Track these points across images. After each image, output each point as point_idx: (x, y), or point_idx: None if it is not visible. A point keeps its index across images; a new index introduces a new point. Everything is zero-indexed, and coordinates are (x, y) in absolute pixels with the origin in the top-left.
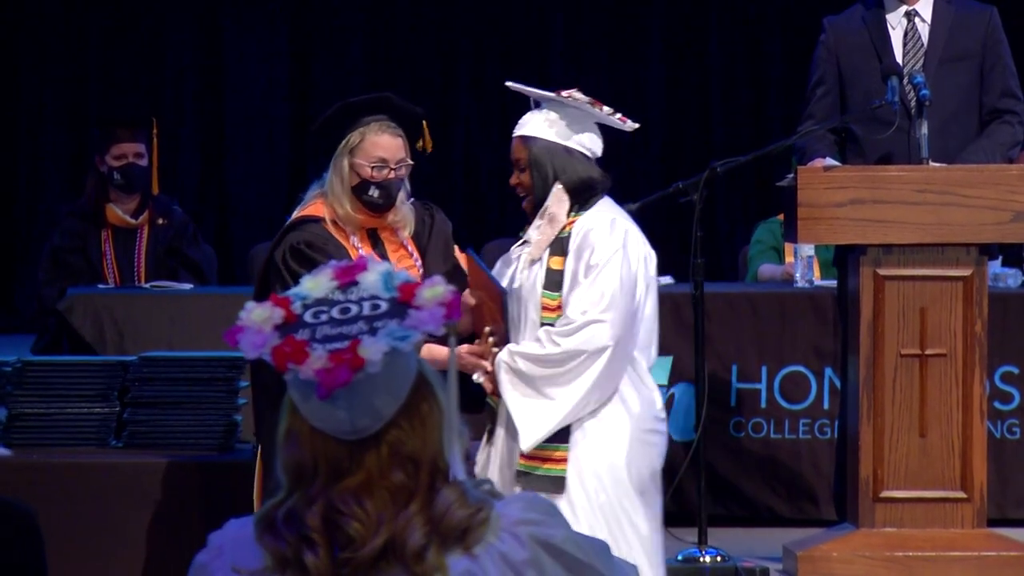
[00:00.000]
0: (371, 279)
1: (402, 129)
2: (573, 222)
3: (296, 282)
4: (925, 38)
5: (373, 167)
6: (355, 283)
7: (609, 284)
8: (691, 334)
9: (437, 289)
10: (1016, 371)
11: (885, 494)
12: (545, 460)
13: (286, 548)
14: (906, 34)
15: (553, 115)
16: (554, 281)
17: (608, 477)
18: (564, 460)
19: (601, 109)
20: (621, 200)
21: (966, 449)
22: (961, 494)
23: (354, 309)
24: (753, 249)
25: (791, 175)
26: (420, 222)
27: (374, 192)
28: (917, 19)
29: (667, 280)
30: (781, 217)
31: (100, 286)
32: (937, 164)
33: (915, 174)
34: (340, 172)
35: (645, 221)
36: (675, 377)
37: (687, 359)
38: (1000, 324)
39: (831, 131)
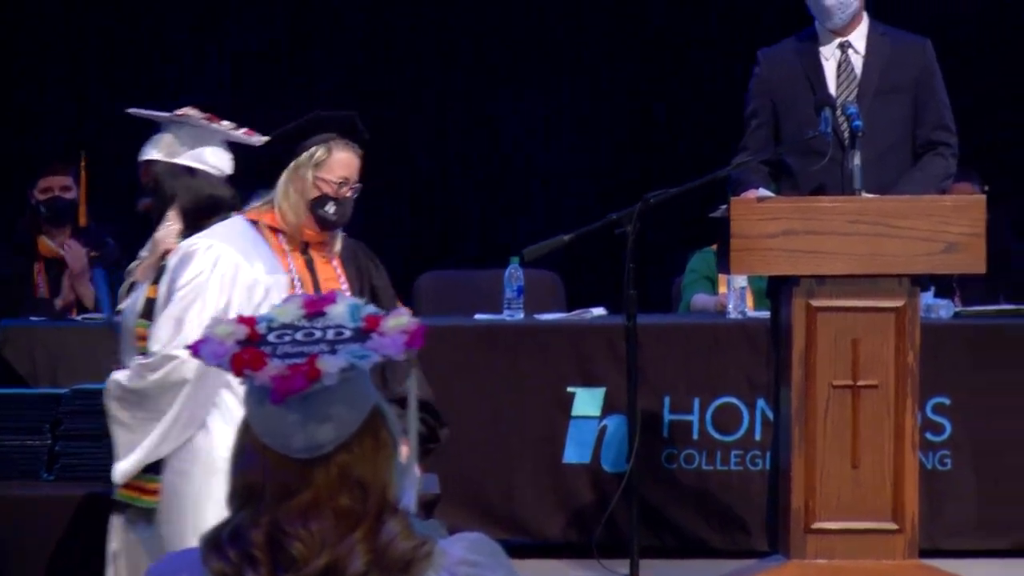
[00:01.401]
0: (339, 310)
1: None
2: (175, 248)
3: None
4: (859, 70)
5: (336, 183)
6: (323, 313)
7: (189, 315)
8: (623, 365)
9: (402, 319)
10: (948, 402)
11: (817, 525)
12: (143, 491)
13: (228, 565)
14: (840, 66)
15: (171, 136)
16: (148, 309)
17: (192, 509)
18: (157, 492)
19: (220, 124)
20: (555, 232)
21: (898, 480)
22: (893, 525)
23: (318, 334)
24: (686, 280)
25: (724, 206)
26: (362, 261)
27: (331, 208)
28: (851, 51)
29: (600, 311)
30: (715, 248)
31: (32, 318)
32: (870, 195)
33: (848, 205)
34: (301, 183)
35: (579, 252)
36: (607, 408)
37: (619, 390)
38: (932, 355)
39: (765, 162)
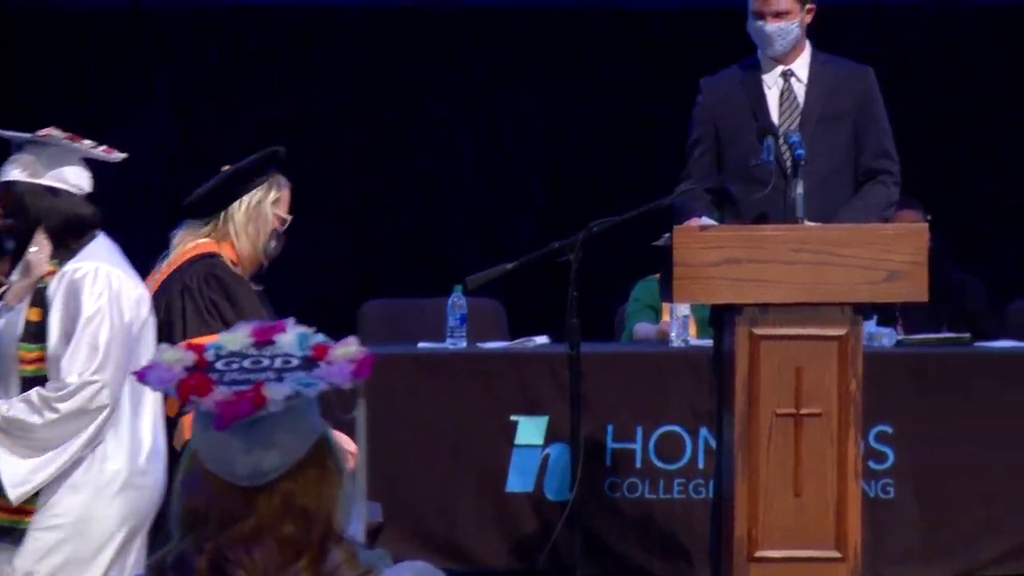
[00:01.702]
0: (287, 339)
1: None
2: (54, 272)
3: (211, 308)
4: (801, 98)
5: (283, 219)
6: (271, 342)
7: (101, 340)
8: (567, 394)
9: (349, 348)
10: (890, 431)
11: (760, 553)
12: (28, 514)
13: None
14: (782, 94)
15: (31, 156)
16: (31, 332)
17: (73, 530)
18: (19, 511)
19: (82, 143)
20: (498, 261)
21: (841, 508)
22: (836, 553)
23: (266, 362)
24: (630, 309)
25: (667, 235)
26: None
27: (274, 242)
28: (793, 79)
29: (543, 340)
30: (658, 276)
31: None
32: (812, 224)
33: (790, 233)
34: (261, 217)
35: (522, 280)
36: (550, 437)
37: (562, 419)
38: (875, 383)
39: (708, 191)
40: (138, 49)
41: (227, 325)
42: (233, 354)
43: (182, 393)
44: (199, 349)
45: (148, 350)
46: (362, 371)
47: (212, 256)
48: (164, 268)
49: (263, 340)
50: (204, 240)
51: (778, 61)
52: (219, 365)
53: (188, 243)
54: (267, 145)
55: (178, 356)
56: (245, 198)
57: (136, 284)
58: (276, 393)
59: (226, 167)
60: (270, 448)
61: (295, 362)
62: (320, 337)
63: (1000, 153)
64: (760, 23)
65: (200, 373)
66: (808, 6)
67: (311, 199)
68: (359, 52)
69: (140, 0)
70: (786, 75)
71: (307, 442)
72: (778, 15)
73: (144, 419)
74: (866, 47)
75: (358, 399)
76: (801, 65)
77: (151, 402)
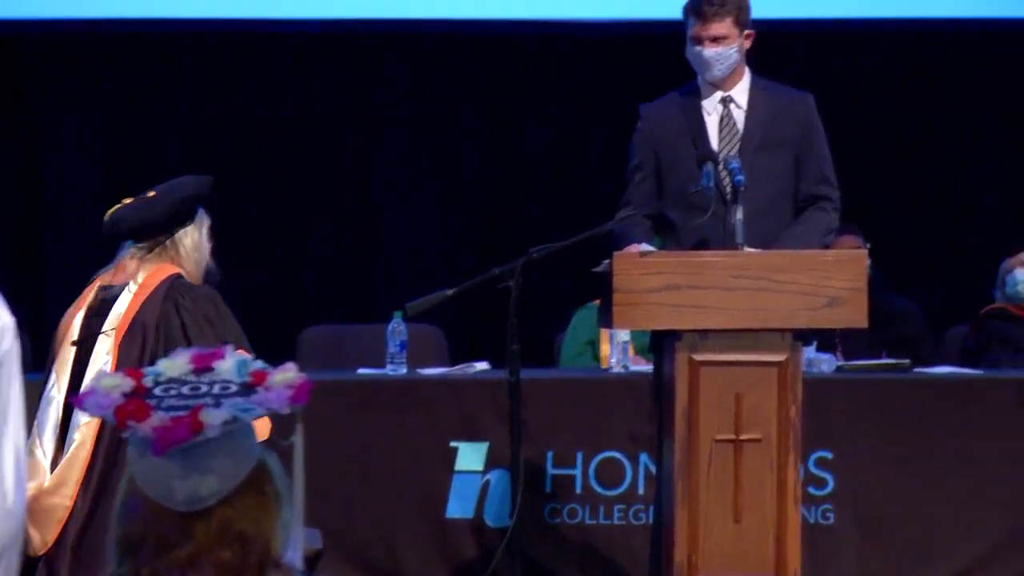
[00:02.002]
0: (226, 366)
1: None
2: None
3: (208, 321)
4: (741, 124)
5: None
6: (210, 369)
7: None
8: (507, 420)
9: (288, 374)
10: (830, 456)
11: None
12: None
13: None
14: (722, 120)
15: None
16: None
17: None
18: None
19: None
20: (438, 287)
21: (780, 534)
22: None
23: (204, 388)
24: (568, 338)
25: (607, 261)
26: None
27: (214, 267)
28: (732, 105)
29: (483, 366)
30: (597, 303)
31: None
32: (752, 250)
33: (730, 260)
34: (204, 243)
35: (462, 307)
36: (490, 463)
37: (503, 445)
38: (814, 409)
39: (648, 217)
40: (70, 73)
41: (220, 340)
42: (172, 380)
43: (119, 418)
44: (137, 376)
45: (9, 380)
46: (300, 397)
47: (180, 278)
48: (136, 292)
49: (202, 367)
50: (164, 264)
51: (717, 87)
52: (157, 391)
53: (147, 267)
54: (201, 170)
55: (116, 382)
56: (191, 224)
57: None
58: (213, 419)
59: (151, 192)
60: (207, 473)
61: (233, 388)
62: (259, 364)
63: (938, 180)
64: (698, 48)
65: (138, 399)
66: (747, 31)
67: (251, 225)
68: (293, 76)
69: (74, 25)
70: (725, 101)
71: (245, 467)
72: (716, 40)
73: (6, 448)
74: (805, 73)
75: (296, 424)
76: (740, 91)
77: (13, 431)
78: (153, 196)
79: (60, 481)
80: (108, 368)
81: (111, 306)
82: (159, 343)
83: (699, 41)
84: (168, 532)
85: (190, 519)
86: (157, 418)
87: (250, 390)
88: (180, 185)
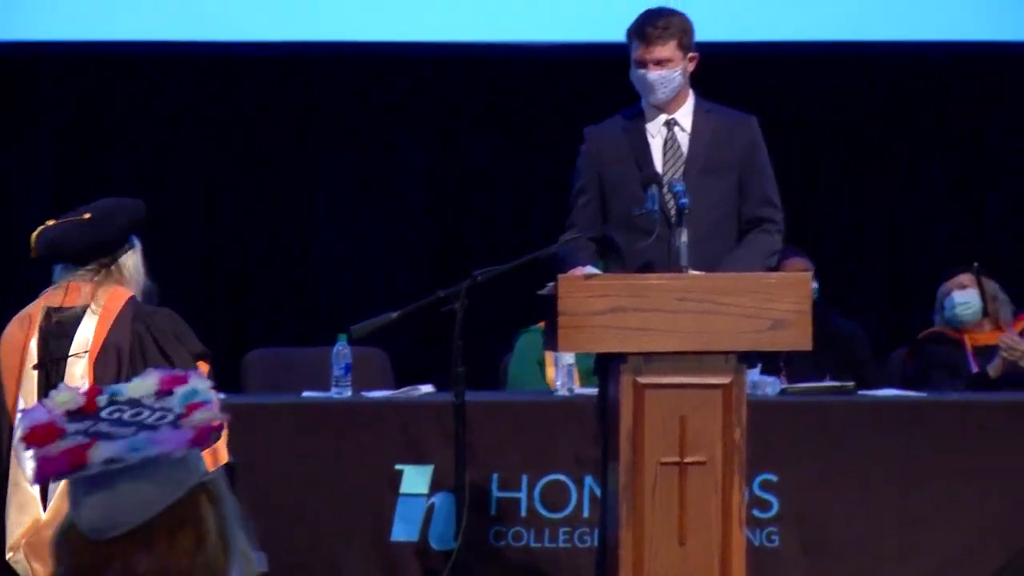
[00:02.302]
0: (181, 392)
1: None
2: None
3: (179, 338)
4: (685, 147)
5: None
6: (171, 392)
7: None
8: (452, 443)
9: (207, 414)
10: (775, 479)
11: None
12: None
13: None
14: (666, 143)
15: None
16: None
17: None
18: None
19: None
20: (383, 310)
21: (725, 557)
22: None
23: (145, 415)
24: (514, 360)
25: (552, 284)
26: None
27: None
28: (676, 128)
29: (428, 389)
30: (542, 326)
31: None
32: (697, 272)
33: (675, 282)
34: (142, 265)
35: (407, 329)
36: (435, 486)
37: (448, 467)
38: (759, 432)
39: (592, 240)
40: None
41: (192, 355)
42: (129, 401)
43: (27, 440)
44: (94, 392)
45: None
46: (201, 441)
47: (137, 300)
48: (102, 315)
49: (166, 389)
50: (117, 287)
51: (661, 110)
52: (103, 413)
53: (104, 289)
54: (146, 192)
55: (68, 398)
56: (131, 247)
57: None
58: (98, 456)
59: (86, 214)
60: (126, 501)
61: (168, 417)
62: (205, 395)
63: (883, 204)
64: (642, 71)
65: (51, 424)
66: (691, 54)
67: (195, 247)
68: (236, 99)
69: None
70: (669, 124)
71: (169, 497)
72: (660, 63)
73: None
74: (750, 95)
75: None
76: (684, 114)
77: None
78: (89, 218)
79: (58, 509)
80: None
81: (71, 328)
82: (135, 364)
83: (643, 64)
84: (86, 561)
85: (107, 547)
86: (55, 446)
87: (176, 423)
88: (118, 208)
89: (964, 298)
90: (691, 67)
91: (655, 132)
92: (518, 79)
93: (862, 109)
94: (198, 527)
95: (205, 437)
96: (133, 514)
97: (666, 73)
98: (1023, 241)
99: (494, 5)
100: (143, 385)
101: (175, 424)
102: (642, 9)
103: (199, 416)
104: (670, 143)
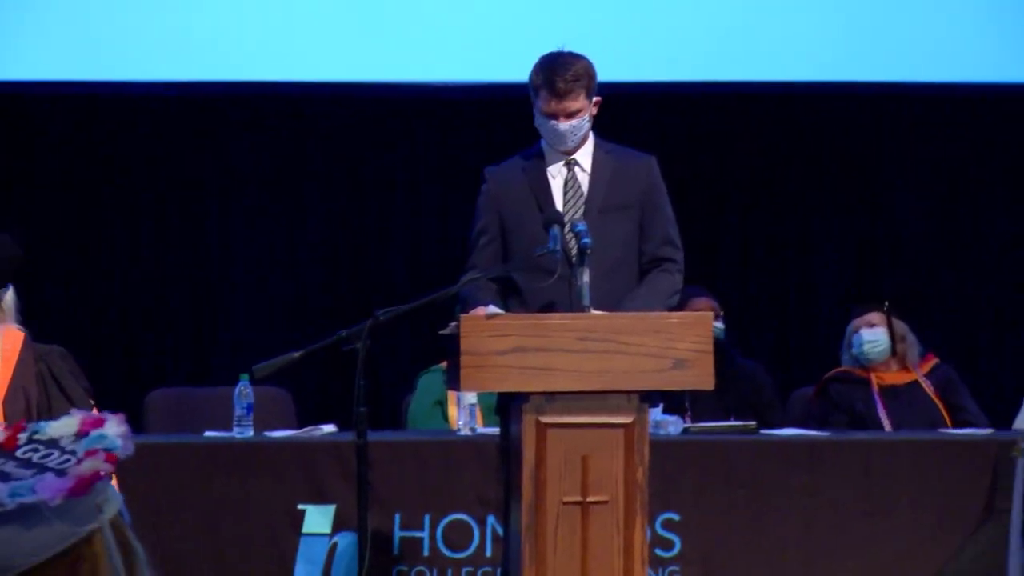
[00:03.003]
0: (94, 434)
1: None
2: None
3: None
4: (585, 187)
5: None
6: (87, 435)
7: None
8: (354, 482)
9: (96, 462)
10: (677, 518)
11: None
12: None
13: None
14: (566, 183)
15: None
16: None
17: None
18: None
19: None
20: (285, 349)
21: None
22: None
23: (54, 456)
24: (415, 401)
25: (454, 323)
26: None
27: None
28: (577, 168)
29: (331, 428)
30: (444, 365)
31: None
32: (599, 312)
33: (577, 322)
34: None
35: (309, 369)
36: (338, 525)
37: (350, 507)
38: (661, 471)
39: (494, 280)
40: None
41: (87, 392)
42: (49, 441)
43: None
44: (17, 429)
45: None
46: (77, 491)
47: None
48: (3, 356)
49: (83, 431)
50: (8, 327)
51: (562, 152)
52: (19, 451)
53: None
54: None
55: None
56: (7, 286)
57: None
58: None
59: None
60: (13, 544)
61: (71, 460)
62: (111, 443)
63: (784, 243)
64: (553, 123)
65: None
66: (595, 99)
67: (96, 286)
68: (135, 137)
69: None
70: (570, 164)
71: (60, 543)
72: (571, 114)
73: None
74: (652, 134)
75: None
76: (585, 154)
77: None
78: None
79: None
80: None
81: None
82: (40, 404)
83: (553, 116)
84: None
85: None
86: None
87: (62, 469)
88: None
89: (873, 336)
90: (594, 111)
91: (556, 173)
92: (415, 117)
93: (767, 146)
94: (95, 569)
95: (85, 486)
96: (23, 556)
97: (576, 123)
98: (922, 280)
99: (391, 46)
100: (66, 425)
101: (61, 471)
102: (527, 49)
103: (87, 464)
104: (571, 183)
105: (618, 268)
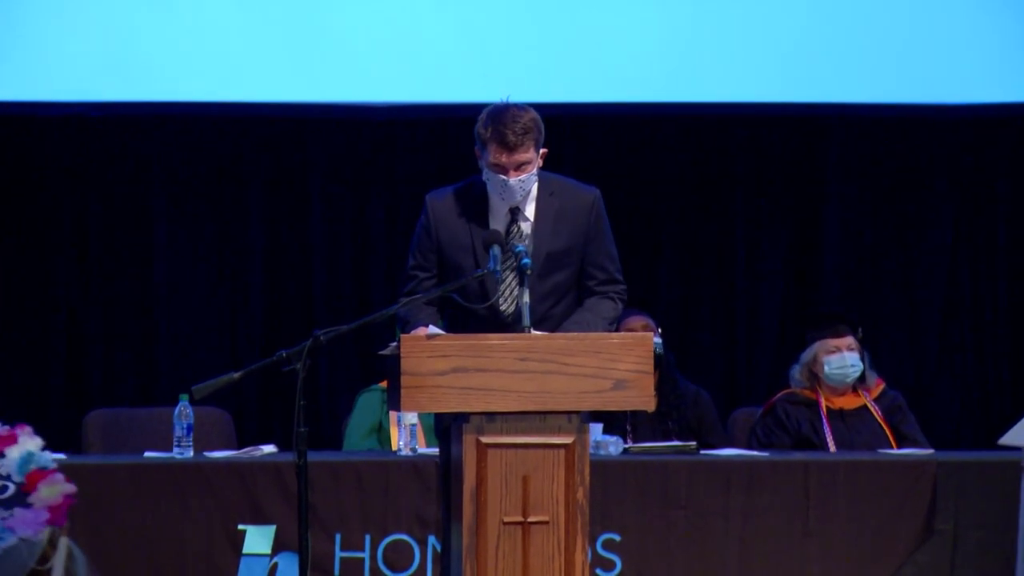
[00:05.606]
0: (14, 455)
1: None
2: None
3: None
4: (528, 238)
5: None
6: (2, 455)
7: None
8: (294, 502)
9: (55, 488)
10: (618, 538)
11: None
12: None
13: None
14: (508, 234)
15: None
16: None
17: None
18: None
19: None
20: (224, 370)
21: None
22: None
23: None
24: (352, 422)
25: (394, 343)
26: None
27: None
28: (520, 217)
29: (271, 448)
30: (383, 385)
31: None
32: (539, 332)
33: (517, 342)
34: None
35: (249, 389)
36: (278, 546)
37: (290, 528)
38: (601, 491)
39: (432, 301)
40: None
41: None
42: None
43: None
44: None
45: None
46: (58, 519)
47: None
48: None
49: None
50: None
51: (504, 200)
52: None
53: None
54: None
55: None
56: None
57: None
58: None
59: None
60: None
61: (11, 489)
62: (44, 460)
63: (724, 264)
64: (502, 178)
65: None
66: (543, 149)
67: (34, 306)
68: (73, 156)
69: None
70: (512, 213)
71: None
72: (520, 167)
73: None
74: (595, 158)
75: (58, 542)
76: (529, 202)
77: None
78: None
79: None
80: None
81: None
82: None
83: (502, 170)
84: None
85: None
86: None
87: (17, 500)
88: None
89: (854, 360)
90: (541, 163)
91: (499, 219)
92: (356, 137)
93: (707, 171)
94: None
95: (63, 513)
96: None
97: (525, 177)
98: (863, 300)
99: (334, 66)
100: None
101: (21, 500)
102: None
103: (46, 492)
104: (514, 234)
105: (559, 290)
